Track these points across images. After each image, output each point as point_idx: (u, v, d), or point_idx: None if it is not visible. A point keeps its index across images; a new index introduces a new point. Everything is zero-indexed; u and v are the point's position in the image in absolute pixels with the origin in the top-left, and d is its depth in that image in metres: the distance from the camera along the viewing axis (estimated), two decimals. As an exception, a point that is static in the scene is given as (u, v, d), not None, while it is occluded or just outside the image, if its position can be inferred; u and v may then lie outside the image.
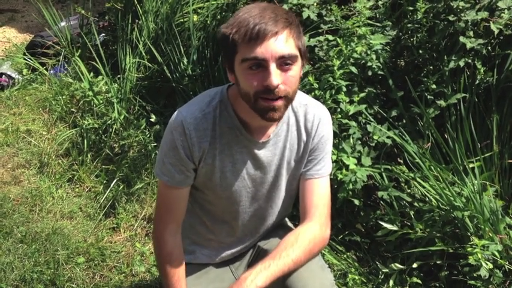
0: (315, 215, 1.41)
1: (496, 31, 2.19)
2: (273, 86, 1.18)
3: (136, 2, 3.26)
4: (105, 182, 2.83)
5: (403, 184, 2.29)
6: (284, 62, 1.20)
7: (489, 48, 2.32)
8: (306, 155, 1.45)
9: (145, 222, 2.60)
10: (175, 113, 1.37)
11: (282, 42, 1.18)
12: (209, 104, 1.36)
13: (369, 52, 2.35)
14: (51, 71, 3.68)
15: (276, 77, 1.18)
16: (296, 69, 1.23)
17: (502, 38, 2.31)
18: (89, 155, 2.96)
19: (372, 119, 2.33)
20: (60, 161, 3.00)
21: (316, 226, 1.40)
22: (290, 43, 1.20)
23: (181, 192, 1.42)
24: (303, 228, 1.40)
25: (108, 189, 2.74)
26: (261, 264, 1.30)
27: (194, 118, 1.33)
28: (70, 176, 2.90)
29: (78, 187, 2.86)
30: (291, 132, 1.42)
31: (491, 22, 2.21)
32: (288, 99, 1.25)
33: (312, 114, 1.43)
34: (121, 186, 2.74)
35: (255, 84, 1.20)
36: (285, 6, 2.58)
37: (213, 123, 1.35)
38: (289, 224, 1.73)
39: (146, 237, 2.53)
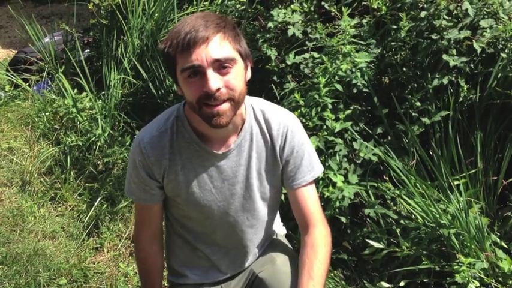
0: (317, 219, 1.45)
1: (479, 50, 2.22)
2: (212, 90, 1.19)
3: (121, 18, 3.25)
4: (88, 200, 2.78)
5: (389, 201, 2.29)
6: (221, 66, 1.20)
7: (472, 66, 2.34)
8: (278, 164, 1.44)
9: (129, 242, 2.55)
10: (137, 133, 1.41)
11: (215, 46, 1.19)
12: (166, 121, 1.38)
13: (353, 70, 2.36)
14: (34, 88, 3.63)
15: (214, 81, 1.19)
16: (236, 72, 1.23)
17: (484, 56, 2.35)
18: (72, 173, 2.92)
19: (358, 136, 2.33)
20: (42, 179, 2.95)
21: (322, 228, 1.45)
22: (224, 46, 1.21)
23: (152, 208, 1.46)
24: (313, 237, 1.43)
25: (92, 208, 2.69)
26: None
27: (150, 137, 1.36)
28: (52, 195, 2.85)
29: (60, 206, 2.80)
30: (256, 141, 1.42)
31: (473, 41, 2.25)
32: (234, 103, 1.25)
33: (276, 122, 1.42)
34: (105, 205, 2.70)
35: (196, 91, 1.21)
36: (270, 24, 2.60)
37: (170, 140, 1.36)
38: (283, 240, 1.69)
39: (130, 257, 2.48)
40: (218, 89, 1.19)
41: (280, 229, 1.72)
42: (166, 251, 1.60)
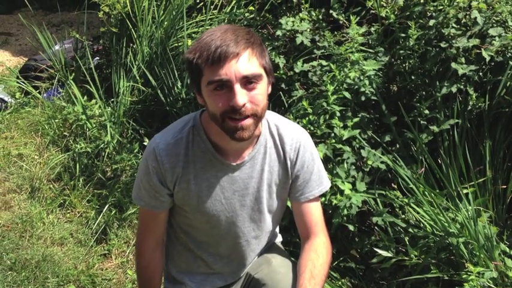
0: (319, 230, 1.48)
1: (488, 58, 2.22)
2: (239, 106, 1.21)
3: (131, 26, 3.28)
4: (97, 207, 2.80)
5: (397, 209, 2.28)
6: (248, 81, 1.22)
7: (481, 74, 2.34)
8: (288, 178, 1.46)
9: (137, 248, 2.56)
10: (151, 139, 1.41)
11: (244, 63, 1.21)
12: (182, 129, 1.39)
13: (362, 78, 2.37)
14: (44, 95, 3.67)
15: (241, 96, 1.21)
16: (261, 87, 1.25)
17: (493, 64, 2.34)
18: (81, 180, 2.93)
19: (366, 144, 2.33)
20: (51, 185, 2.97)
21: (323, 238, 1.48)
22: (253, 62, 1.22)
23: (158, 215, 1.45)
24: (315, 244, 1.45)
25: (100, 215, 2.70)
26: None
27: (166, 144, 1.37)
28: (61, 201, 2.86)
29: (69, 212, 2.82)
30: (269, 154, 1.43)
31: (482, 49, 2.24)
32: (257, 117, 1.27)
33: (289, 137, 1.44)
34: (113, 212, 2.71)
35: (221, 104, 1.23)
36: (279, 32, 2.62)
37: (185, 148, 1.37)
38: (280, 245, 1.70)
39: (138, 264, 2.49)
40: (244, 104, 1.22)
41: (277, 236, 1.73)
42: (164, 257, 1.59)
